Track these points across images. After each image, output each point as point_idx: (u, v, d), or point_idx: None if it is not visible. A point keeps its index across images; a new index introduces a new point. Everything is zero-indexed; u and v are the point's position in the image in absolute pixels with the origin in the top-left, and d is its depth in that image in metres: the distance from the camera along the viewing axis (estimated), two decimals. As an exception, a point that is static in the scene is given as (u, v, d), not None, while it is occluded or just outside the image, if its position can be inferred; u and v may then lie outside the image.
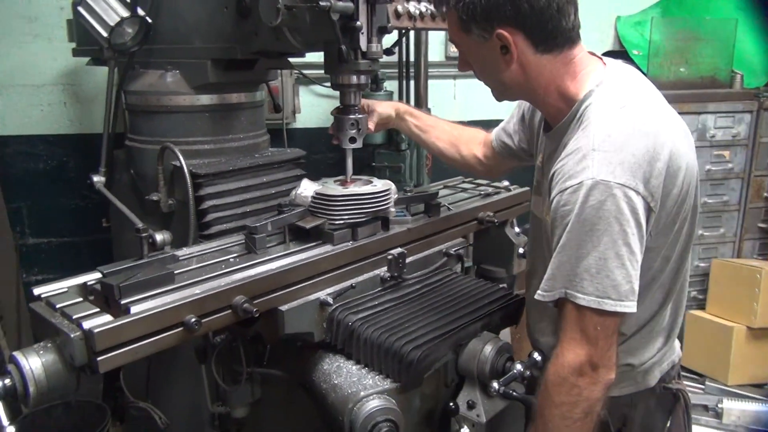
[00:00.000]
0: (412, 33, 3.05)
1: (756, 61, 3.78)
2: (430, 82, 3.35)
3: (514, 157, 1.76)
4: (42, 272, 3.27)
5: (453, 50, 3.33)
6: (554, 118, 1.39)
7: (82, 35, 2.49)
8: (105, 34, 1.87)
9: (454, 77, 3.53)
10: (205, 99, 2.01)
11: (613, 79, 1.32)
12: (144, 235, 1.58)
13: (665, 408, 1.46)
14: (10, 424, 1.17)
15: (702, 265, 3.49)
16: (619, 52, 3.75)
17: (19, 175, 3.11)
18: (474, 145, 1.85)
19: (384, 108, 1.83)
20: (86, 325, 1.17)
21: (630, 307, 1.19)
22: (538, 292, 1.27)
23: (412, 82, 3.34)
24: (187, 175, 1.87)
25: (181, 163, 1.88)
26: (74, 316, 1.21)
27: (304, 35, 1.63)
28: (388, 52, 1.67)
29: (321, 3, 1.44)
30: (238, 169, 1.98)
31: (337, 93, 1.71)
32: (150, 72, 2.04)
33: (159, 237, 1.85)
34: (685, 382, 1.58)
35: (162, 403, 2.26)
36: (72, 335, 1.17)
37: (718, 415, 3.02)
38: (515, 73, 1.32)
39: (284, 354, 1.66)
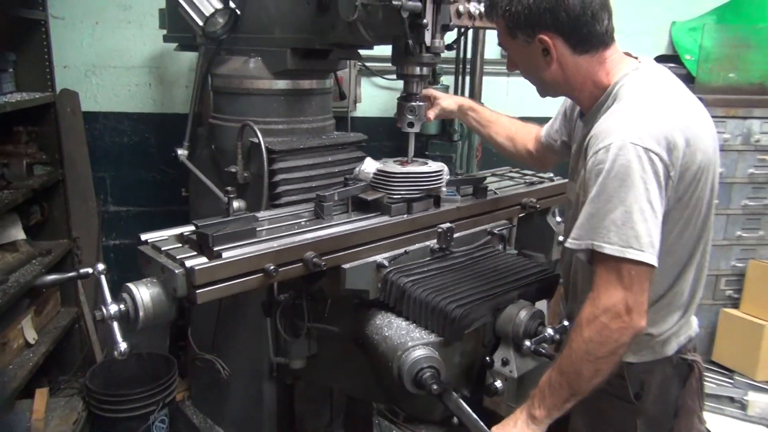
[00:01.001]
0: (470, 31, 3.23)
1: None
2: (485, 78, 3.51)
3: (559, 152, 1.93)
4: (119, 237, 3.60)
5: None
6: (589, 105, 1.55)
7: (173, 23, 2.78)
8: (200, 23, 2.13)
9: (508, 75, 3.68)
10: (282, 84, 2.25)
11: (646, 70, 1.48)
12: (231, 197, 1.81)
13: (681, 376, 1.61)
14: (122, 341, 1.41)
15: (739, 265, 3.55)
16: (672, 56, 3.84)
17: (105, 148, 3.44)
18: (527, 140, 2.02)
19: (448, 102, 2.03)
20: (188, 263, 1.42)
21: (651, 259, 1.30)
22: (569, 239, 1.40)
23: (467, 78, 3.52)
24: (264, 150, 2.12)
25: (259, 139, 2.12)
26: (178, 257, 1.46)
27: (375, 30, 1.84)
28: (449, 47, 1.86)
29: (393, 2, 1.65)
30: (307, 147, 2.22)
31: (396, 84, 1.91)
32: (234, 58, 2.29)
33: (236, 204, 2.09)
34: (714, 376, 1.70)
35: (225, 355, 2.53)
36: (176, 271, 1.41)
37: (744, 407, 3.12)
38: (555, 72, 1.50)
39: (340, 312, 1.88)
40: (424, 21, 1.73)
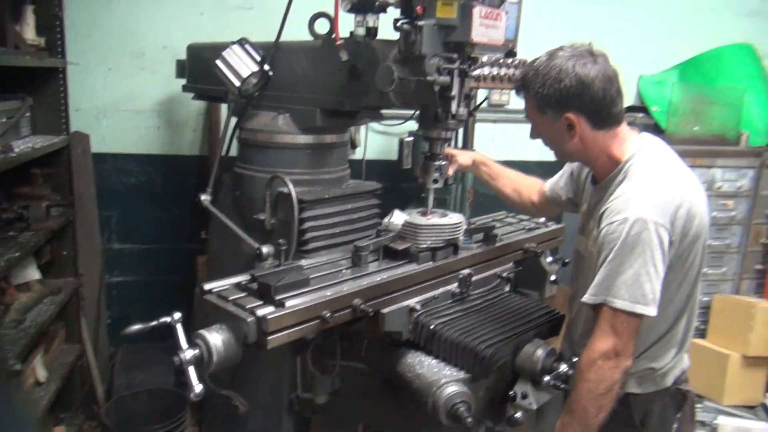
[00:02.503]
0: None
1: (760, 123, 4.23)
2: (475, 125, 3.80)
3: (561, 206, 2.20)
4: (122, 274, 3.69)
5: (495, 98, 3.78)
6: (602, 174, 1.82)
7: (193, 74, 2.96)
8: (237, 83, 2.31)
9: (494, 121, 3.98)
10: (308, 138, 2.43)
11: (650, 148, 1.76)
12: (278, 248, 1.98)
13: (677, 404, 1.88)
14: (198, 383, 1.56)
15: (705, 299, 3.89)
16: (640, 107, 4.21)
17: (112, 187, 3.55)
18: (532, 192, 2.28)
19: (464, 158, 2.28)
20: (259, 312, 1.60)
21: (653, 311, 1.60)
22: (586, 296, 1.67)
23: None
24: (295, 200, 2.30)
25: (290, 190, 2.30)
26: (247, 306, 1.63)
27: (405, 97, 2.05)
28: (471, 114, 2.11)
29: (428, 78, 1.89)
30: (332, 197, 2.41)
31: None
32: (263, 113, 2.46)
33: (265, 249, 2.27)
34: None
35: (243, 390, 2.65)
36: (248, 320, 1.59)
37: (714, 430, 3.42)
38: (576, 144, 1.76)
39: (372, 351, 2.06)
40: (452, 93, 1.97)
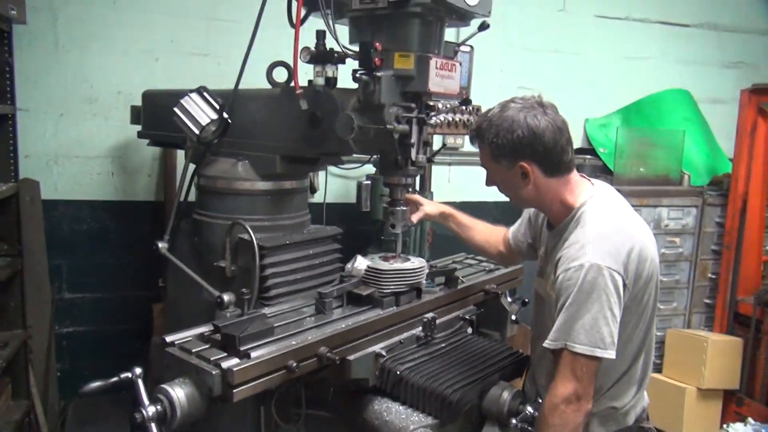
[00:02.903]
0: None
1: (700, 163, 4.48)
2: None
3: (524, 254, 2.24)
4: (73, 324, 3.55)
5: (450, 141, 3.87)
6: (556, 220, 1.88)
7: (148, 121, 2.93)
8: (196, 131, 2.31)
9: (449, 164, 4.08)
10: (267, 185, 2.42)
11: (600, 195, 1.83)
12: (241, 297, 1.96)
13: (639, 443, 1.92)
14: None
15: (659, 334, 4.00)
16: (588, 149, 4.39)
17: (63, 235, 3.44)
18: (499, 242, 2.31)
19: (431, 208, 2.30)
20: (224, 364, 1.57)
21: (612, 354, 1.64)
22: (547, 341, 1.70)
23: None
24: (256, 247, 2.28)
25: (251, 236, 2.28)
26: (212, 358, 1.60)
27: (365, 145, 2.10)
28: (429, 161, 2.16)
29: (387, 126, 1.94)
30: (293, 243, 2.40)
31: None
32: (222, 160, 2.45)
33: (226, 298, 2.23)
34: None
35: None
36: (213, 372, 1.55)
37: (675, 464, 3.48)
38: (530, 191, 1.81)
39: (334, 398, 2.04)
40: (412, 141, 2.02)
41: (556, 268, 1.74)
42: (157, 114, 2.83)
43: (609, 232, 1.71)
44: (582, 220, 1.77)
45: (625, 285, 1.68)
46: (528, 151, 1.74)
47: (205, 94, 2.36)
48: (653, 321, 1.86)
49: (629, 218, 1.81)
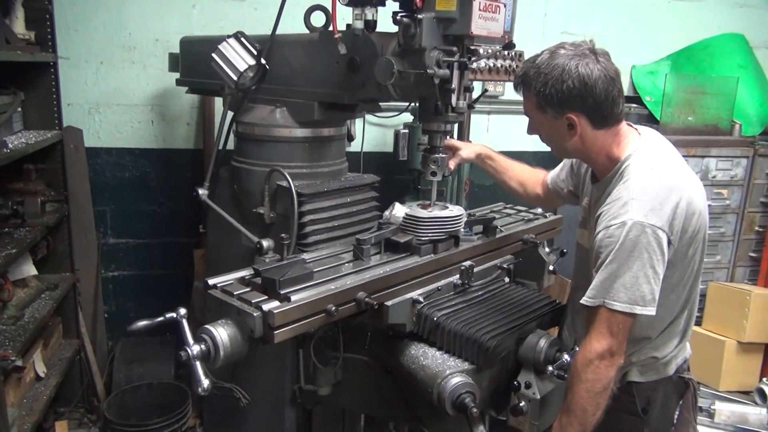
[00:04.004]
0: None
1: (753, 112, 4.27)
2: (470, 115, 3.80)
3: (564, 198, 2.20)
4: (118, 269, 3.67)
5: (490, 89, 3.77)
6: (601, 173, 1.83)
7: (186, 68, 2.93)
8: (234, 78, 2.30)
9: (488, 113, 3.99)
10: (305, 132, 2.43)
11: (647, 146, 1.76)
12: (280, 242, 1.97)
13: (679, 392, 1.89)
14: (205, 378, 1.56)
15: (700, 287, 3.95)
16: (634, 97, 4.23)
17: (106, 182, 3.52)
18: (537, 185, 2.28)
19: (467, 152, 2.26)
20: (265, 307, 1.59)
21: (652, 311, 1.62)
22: (584, 298, 1.68)
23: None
24: (294, 194, 2.30)
25: (289, 183, 2.30)
26: (253, 301, 1.63)
27: (405, 90, 2.06)
28: (470, 107, 2.11)
29: (428, 71, 1.89)
30: (331, 190, 2.41)
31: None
32: (260, 107, 2.46)
33: (265, 243, 2.27)
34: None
35: (245, 383, 2.65)
36: (255, 314, 1.58)
37: (711, 415, 3.48)
38: (576, 143, 1.75)
39: (372, 343, 2.06)
40: (452, 86, 1.97)
41: (597, 224, 1.70)
42: (194, 61, 2.83)
43: (654, 187, 1.65)
44: (626, 175, 1.71)
45: (669, 241, 1.63)
46: (577, 103, 1.67)
47: (243, 39, 2.34)
48: (699, 274, 1.83)
49: (677, 170, 1.73)
